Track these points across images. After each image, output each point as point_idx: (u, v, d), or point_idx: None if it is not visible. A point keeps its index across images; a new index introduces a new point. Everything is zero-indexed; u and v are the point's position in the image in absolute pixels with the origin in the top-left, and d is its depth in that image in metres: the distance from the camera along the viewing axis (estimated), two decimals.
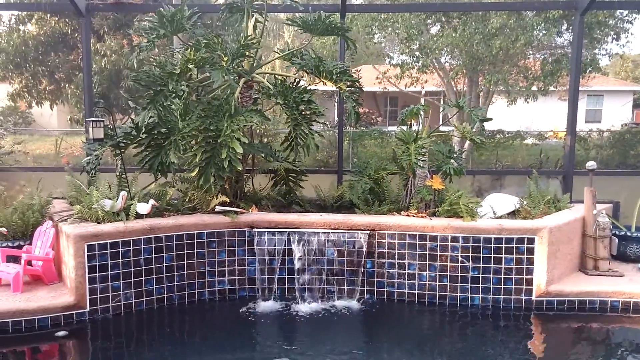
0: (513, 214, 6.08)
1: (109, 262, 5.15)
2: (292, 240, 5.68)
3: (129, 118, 11.14)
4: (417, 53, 13.93)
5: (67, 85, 15.78)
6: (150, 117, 5.89)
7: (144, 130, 5.74)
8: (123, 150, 5.96)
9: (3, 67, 15.70)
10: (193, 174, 5.73)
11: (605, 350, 4.93)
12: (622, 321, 5.33)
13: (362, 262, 5.66)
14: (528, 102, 15.38)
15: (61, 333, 4.84)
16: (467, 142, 11.07)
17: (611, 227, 6.16)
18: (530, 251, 5.42)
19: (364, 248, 5.63)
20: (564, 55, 12.90)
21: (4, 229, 5.79)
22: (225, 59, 5.53)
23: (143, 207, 5.51)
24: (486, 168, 10.57)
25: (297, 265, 5.71)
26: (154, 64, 5.93)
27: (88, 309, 5.08)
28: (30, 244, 5.75)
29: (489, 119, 6.09)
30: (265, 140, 7.78)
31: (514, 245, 5.44)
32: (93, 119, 5.78)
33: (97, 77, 13.90)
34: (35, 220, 5.91)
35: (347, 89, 5.98)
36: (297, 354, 4.69)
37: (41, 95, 16.47)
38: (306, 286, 5.73)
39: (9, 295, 5.14)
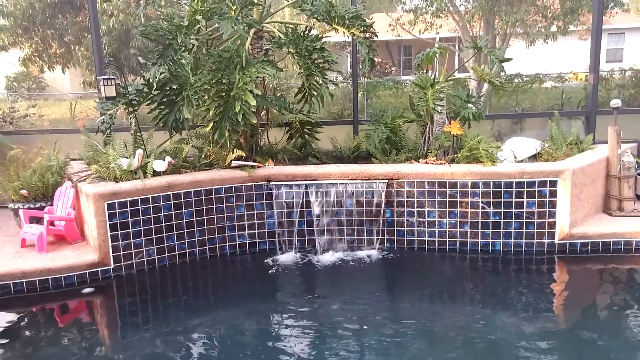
0: (534, 158, 5.96)
1: (130, 219, 5.19)
2: (309, 192, 5.66)
3: (141, 76, 11.04)
4: None
5: (77, 48, 15.63)
6: (161, 73, 5.79)
7: (155, 86, 5.66)
8: (136, 108, 5.92)
9: (12, 31, 15.55)
10: (207, 129, 5.68)
11: (631, 290, 4.87)
12: None
13: (381, 211, 5.63)
14: (547, 43, 14.85)
15: (88, 290, 4.95)
16: (485, 86, 10.82)
17: (636, 166, 6.01)
18: (553, 194, 5.32)
19: (383, 197, 5.58)
20: None
21: (24, 191, 5.85)
22: (234, 8, 5.36)
23: (160, 165, 5.51)
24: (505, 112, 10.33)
25: (316, 216, 5.70)
26: (162, 17, 5.79)
27: (112, 265, 5.17)
28: (52, 205, 5.81)
29: (509, 59, 5.88)
30: (278, 94, 7.67)
31: (536, 189, 5.34)
32: (104, 77, 5.72)
33: (106, 37, 13.72)
34: (55, 181, 5.96)
35: (361, 34, 5.78)
36: (319, 302, 4.74)
37: (52, 59, 16.35)
38: (326, 237, 5.74)
39: (35, 255, 5.24)
